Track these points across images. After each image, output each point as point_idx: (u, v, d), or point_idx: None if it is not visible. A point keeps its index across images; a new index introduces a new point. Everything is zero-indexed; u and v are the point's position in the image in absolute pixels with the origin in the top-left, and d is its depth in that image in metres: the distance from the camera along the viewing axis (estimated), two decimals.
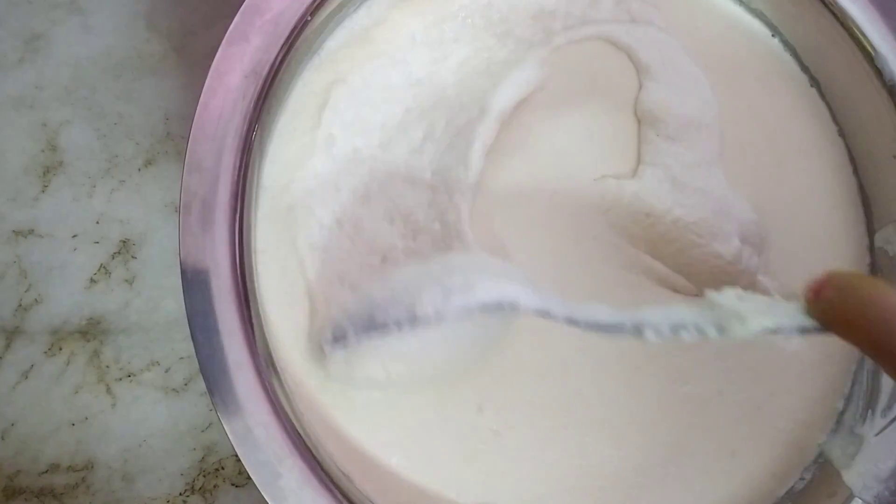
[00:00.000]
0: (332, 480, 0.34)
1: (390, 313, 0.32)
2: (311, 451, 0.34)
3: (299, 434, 0.34)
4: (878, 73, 0.43)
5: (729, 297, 0.31)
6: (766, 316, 0.30)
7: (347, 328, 0.34)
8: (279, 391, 0.34)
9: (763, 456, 0.42)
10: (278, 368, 0.36)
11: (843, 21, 0.43)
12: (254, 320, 0.35)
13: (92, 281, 0.50)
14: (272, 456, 0.34)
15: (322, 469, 0.34)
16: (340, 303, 0.37)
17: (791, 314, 0.30)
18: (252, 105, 0.36)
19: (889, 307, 0.27)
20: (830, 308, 0.29)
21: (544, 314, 0.32)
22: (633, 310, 0.31)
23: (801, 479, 0.42)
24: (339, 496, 0.34)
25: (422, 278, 0.34)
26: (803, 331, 0.30)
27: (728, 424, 0.41)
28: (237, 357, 0.34)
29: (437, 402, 0.39)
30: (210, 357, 0.34)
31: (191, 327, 0.34)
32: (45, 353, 0.49)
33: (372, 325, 0.33)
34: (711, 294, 0.31)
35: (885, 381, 0.42)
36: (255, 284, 0.37)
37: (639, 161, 0.43)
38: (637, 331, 0.31)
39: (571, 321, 0.32)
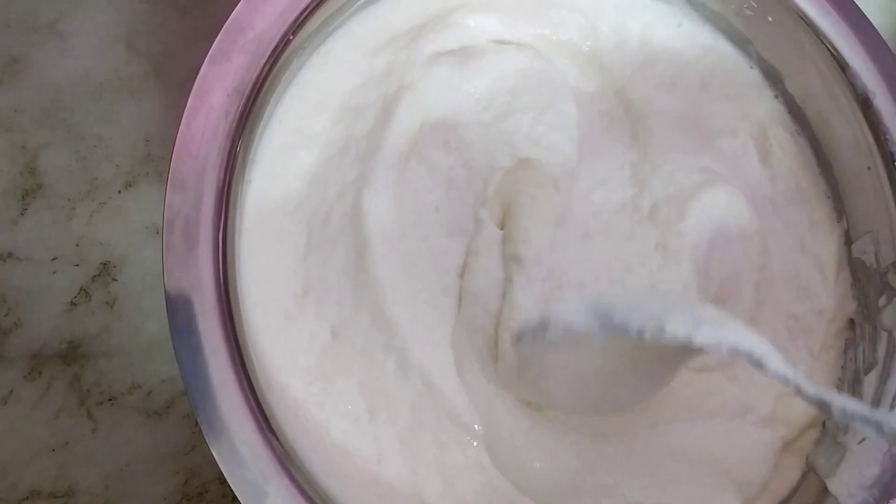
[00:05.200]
0: (320, 499, 0.34)
1: (634, 317, 0.32)
2: (298, 470, 0.34)
3: (286, 452, 0.34)
4: (851, 86, 0.44)
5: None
6: None
7: (555, 320, 0.33)
8: (265, 409, 0.34)
9: (752, 466, 0.42)
10: (264, 385, 0.36)
11: (815, 35, 0.44)
12: (238, 338, 0.34)
13: (72, 304, 0.50)
14: (258, 475, 0.33)
15: (310, 488, 0.34)
16: (559, 297, 0.38)
17: None
18: (235, 123, 0.36)
19: None
20: None
21: (786, 382, 0.31)
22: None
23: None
24: None
25: (666, 300, 0.33)
26: None
27: (716, 436, 0.42)
28: (221, 375, 0.34)
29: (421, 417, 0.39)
30: (194, 376, 0.33)
31: (174, 345, 0.34)
32: (25, 377, 0.49)
33: (608, 322, 0.32)
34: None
35: (867, 389, 0.43)
36: (240, 301, 0.37)
37: None
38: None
39: (820, 403, 0.31)
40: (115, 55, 0.54)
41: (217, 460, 0.33)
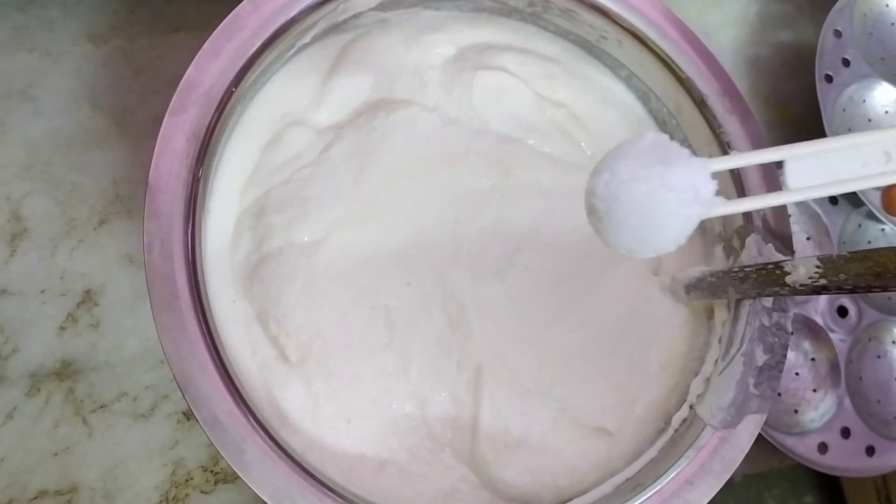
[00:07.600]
0: (285, 452, 0.41)
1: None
2: (266, 431, 0.41)
3: (256, 418, 0.41)
4: (689, 92, 0.53)
5: None
6: None
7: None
8: (237, 385, 0.41)
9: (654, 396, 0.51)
10: (234, 367, 0.43)
11: (656, 54, 0.54)
12: (212, 330, 0.41)
13: (61, 328, 0.55)
14: (237, 436, 0.40)
15: (276, 443, 0.41)
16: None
17: None
18: (194, 162, 0.42)
19: None
20: None
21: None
22: None
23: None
24: (292, 463, 0.41)
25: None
26: None
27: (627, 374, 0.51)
28: (200, 360, 0.40)
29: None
30: (180, 362, 0.40)
31: (162, 340, 0.40)
32: (26, 394, 0.53)
33: None
34: None
35: (736, 335, 0.50)
36: (210, 302, 0.44)
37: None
38: None
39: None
40: (80, 113, 0.58)
41: (203, 428, 0.39)
